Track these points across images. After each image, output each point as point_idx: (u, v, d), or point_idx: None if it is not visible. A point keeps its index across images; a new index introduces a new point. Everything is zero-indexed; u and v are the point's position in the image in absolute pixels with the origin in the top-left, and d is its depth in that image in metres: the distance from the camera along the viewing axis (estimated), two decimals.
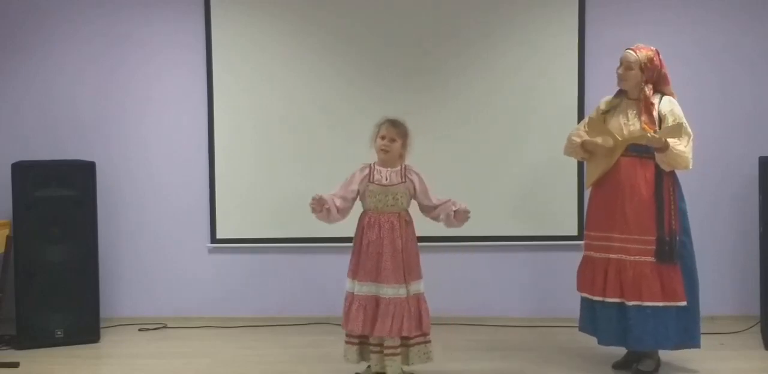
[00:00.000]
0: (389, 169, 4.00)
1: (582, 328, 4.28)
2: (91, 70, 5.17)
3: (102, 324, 4.88)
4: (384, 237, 3.91)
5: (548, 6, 5.07)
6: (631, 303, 3.98)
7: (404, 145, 4.00)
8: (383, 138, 3.97)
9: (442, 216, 4.02)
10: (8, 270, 4.70)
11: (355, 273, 3.97)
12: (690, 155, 3.94)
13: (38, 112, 5.18)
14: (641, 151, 3.98)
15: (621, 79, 4.07)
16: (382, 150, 3.97)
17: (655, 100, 4.02)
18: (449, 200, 4.03)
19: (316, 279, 5.16)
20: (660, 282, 3.96)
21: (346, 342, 4.01)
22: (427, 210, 4.06)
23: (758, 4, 5.09)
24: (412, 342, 3.96)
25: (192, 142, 5.18)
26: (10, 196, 4.65)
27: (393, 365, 3.90)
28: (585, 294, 4.18)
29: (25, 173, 4.65)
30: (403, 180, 3.99)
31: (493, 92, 5.12)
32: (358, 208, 4.07)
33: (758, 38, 5.09)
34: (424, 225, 5.12)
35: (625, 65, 4.03)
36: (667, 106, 4.00)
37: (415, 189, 4.00)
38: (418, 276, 3.99)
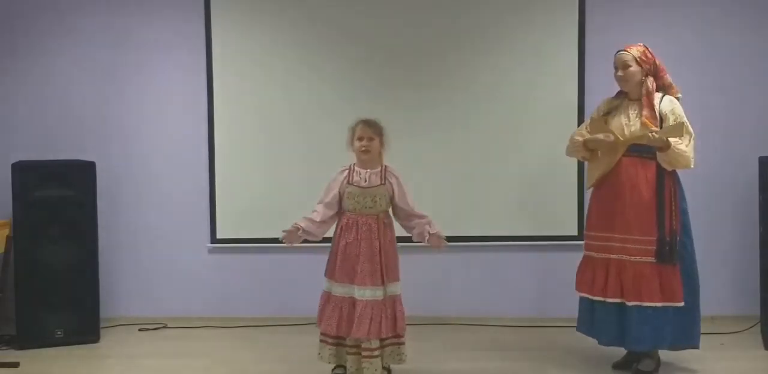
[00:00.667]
0: (369, 170, 4.00)
1: (579, 329, 4.27)
2: (92, 70, 5.17)
3: (102, 324, 4.87)
4: (362, 239, 3.92)
5: (548, 6, 5.08)
6: (631, 304, 3.98)
7: (382, 143, 4.00)
8: (360, 139, 3.96)
9: (415, 232, 4.02)
10: (8, 270, 4.70)
11: (332, 273, 3.98)
12: (691, 154, 3.95)
13: (38, 112, 5.18)
14: (642, 151, 3.98)
15: (622, 80, 4.07)
16: (362, 151, 3.96)
17: (656, 99, 4.03)
18: (427, 217, 4.03)
19: (316, 279, 5.13)
20: (659, 282, 3.96)
21: (321, 341, 4.02)
22: (402, 215, 4.04)
23: (758, 4, 5.09)
24: (386, 342, 3.97)
25: (192, 141, 5.19)
26: (10, 196, 4.65)
27: (371, 367, 3.89)
28: (584, 294, 4.18)
29: (25, 173, 4.65)
30: (383, 182, 3.99)
31: (493, 92, 5.12)
32: None
33: (758, 38, 5.09)
34: None
35: (622, 65, 4.04)
36: (668, 105, 4.01)
37: (393, 191, 3.99)
38: (396, 278, 3.99)
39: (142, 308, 5.22)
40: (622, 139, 4.02)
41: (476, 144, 5.13)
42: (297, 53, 5.12)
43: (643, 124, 3.96)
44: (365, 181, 3.97)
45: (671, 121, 3.96)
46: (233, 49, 5.12)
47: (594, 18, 5.06)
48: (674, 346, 4.09)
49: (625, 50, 4.05)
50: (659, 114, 3.99)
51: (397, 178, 4.02)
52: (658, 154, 3.94)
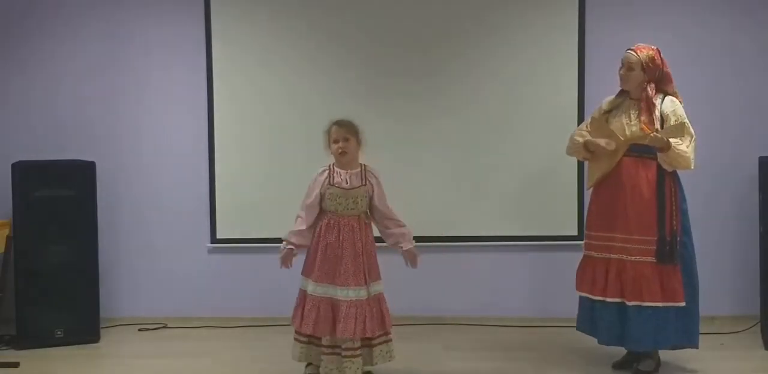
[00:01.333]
0: (349, 171, 4.00)
1: (579, 328, 4.28)
2: (91, 71, 5.17)
3: (102, 324, 4.88)
4: (344, 240, 3.92)
5: (548, 6, 5.07)
6: (631, 304, 3.98)
7: (358, 142, 4.00)
8: (336, 141, 3.97)
9: (390, 241, 4.04)
10: (8, 270, 4.70)
11: (310, 272, 3.98)
12: (692, 155, 3.94)
13: (38, 112, 5.18)
14: (643, 151, 3.97)
15: (623, 80, 4.07)
16: (339, 153, 3.97)
17: (658, 100, 4.02)
18: (403, 227, 4.03)
19: None
20: (660, 282, 3.96)
21: (295, 339, 4.03)
22: (378, 217, 4.03)
23: (758, 4, 5.09)
24: (375, 341, 3.97)
25: (192, 141, 5.18)
26: (10, 196, 4.65)
27: (352, 366, 3.90)
28: (585, 294, 4.18)
29: (25, 173, 4.65)
30: (364, 183, 3.99)
31: (493, 92, 5.11)
32: None
33: (758, 38, 5.09)
34: (424, 225, 5.14)
35: (627, 66, 4.03)
36: (669, 106, 4.00)
37: (373, 191, 3.99)
38: (378, 277, 4.00)
39: (142, 308, 5.22)
40: (622, 138, 4.02)
41: (475, 143, 5.12)
42: (298, 53, 5.12)
43: (641, 130, 3.95)
44: (347, 183, 3.96)
45: (672, 121, 3.95)
46: (233, 48, 5.12)
47: (594, 16, 5.05)
48: (674, 346, 4.09)
49: (634, 51, 4.02)
50: (660, 114, 3.99)
51: (376, 178, 4.02)
52: (658, 154, 3.94)
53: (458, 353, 4.55)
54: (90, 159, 4.88)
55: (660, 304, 3.95)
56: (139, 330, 5.04)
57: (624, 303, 4.01)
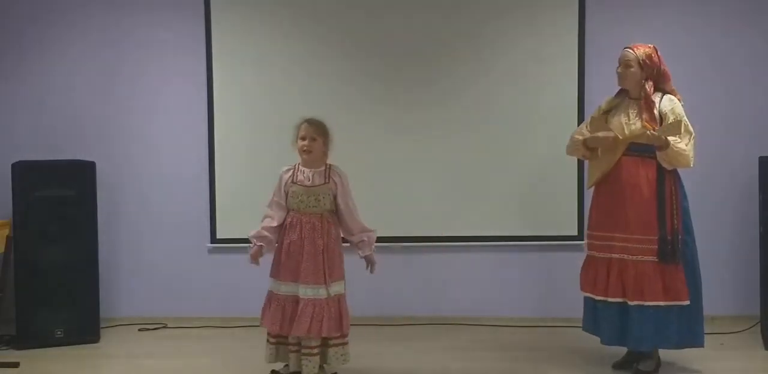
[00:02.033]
0: (313, 169, 3.99)
1: (585, 328, 4.28)
2: (92, 71, 5.17)
3: (102, 324, 4.88)
4: (305, 238, 3.91)
5: (548, 7, 5.07)
6: (633, 303, 3.98)
7: (326, 143, 3.99)
8: (303, 138, 3.96)
9: (352, 246, 4.03)
10: (8, 270, 4.70)
11: (276, 272, 3.98)
12: (691, 153, 3.94)
13: (38, 112, 5.18)
14: (642, 150, 3.97)
15: (621, 77, 4.07)
16: (304, 150, 3.96)
17: (656, 98, 4.02)
18: (366, 233, 4.01)
19: None
20: (662, 281, 3.96)
21: (267, 341, 4.02)
22: (340, 217, 4.01)
23: (758, 5, 5.09)
24: (331, 342, 3.96)
25: (192, 141, 5.18)
26: (10, 196, 4.65)
27: (309, 365, 3.89)
28: (588, 294, 4.18)
29: (25, 173, 4.65)
30: (326, 181, 3.98)
31: (493, 93, 5.11)
32: None
33: (758, 38, 5.09)
34: (424, 225, 5.15)
35: (624, 64, 4.03)
36: (667, 104, 4.00)
37: (336, 189, 3.98)
38: (340, 277, 3.99)
39: (142, 308, 5.22)
40: (621, 137, 4.02)
41: (476, 143, 5.12)
42: (297, 55, 5.12)
43: (643, 127, 3.95)
44: (309, 180, 3.96)
45: (671, 119, 3.95)
46: (233, 49, 5.12)
47: (594, 17, 5.05)
48: (677, 346, 4.08)
49: (631, 49, 4.03)
50: (659, 113, 3.99)
51: (341, 177, 4.00)
52: (657, 153, 3.94)
53: (458, 353, 4.55)
54: (90, 159, 4.89)
55: (662, 303, 3.95)
56: (139, 330, 5.05)
57: (626, 303, 4.01)
